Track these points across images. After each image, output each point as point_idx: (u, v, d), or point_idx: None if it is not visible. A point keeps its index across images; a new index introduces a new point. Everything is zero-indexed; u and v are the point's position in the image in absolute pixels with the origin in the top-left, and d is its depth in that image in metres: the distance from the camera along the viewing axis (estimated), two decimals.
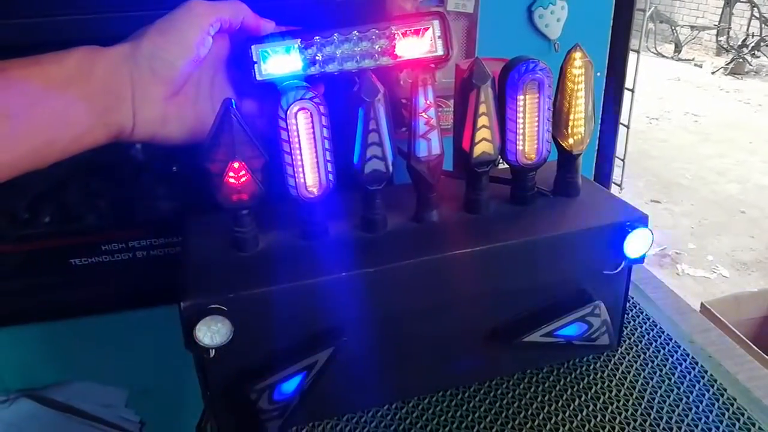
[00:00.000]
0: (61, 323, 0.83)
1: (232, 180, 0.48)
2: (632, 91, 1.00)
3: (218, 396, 0.53)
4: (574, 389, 0.61)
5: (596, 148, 0.97)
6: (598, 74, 0.89)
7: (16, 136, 0.43)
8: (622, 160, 1.06)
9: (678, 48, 7.01)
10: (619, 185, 1.08)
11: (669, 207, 3.61)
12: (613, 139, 0.97)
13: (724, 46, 6.74)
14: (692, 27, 7.06)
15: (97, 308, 0.81)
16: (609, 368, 0.63)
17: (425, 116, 0.52)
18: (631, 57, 0.94)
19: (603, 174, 0.99)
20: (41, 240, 0.75)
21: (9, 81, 0.43)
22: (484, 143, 0.55)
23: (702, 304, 1.88)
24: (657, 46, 7.14)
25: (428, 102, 0.52)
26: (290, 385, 0.52)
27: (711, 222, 3.43)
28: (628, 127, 1.03)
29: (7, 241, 0.75)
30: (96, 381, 0.91)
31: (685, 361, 0.64)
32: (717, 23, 6.84)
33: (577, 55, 0.56)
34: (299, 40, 0.54)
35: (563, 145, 0.59)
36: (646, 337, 0.67)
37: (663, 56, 7.05)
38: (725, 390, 0.60)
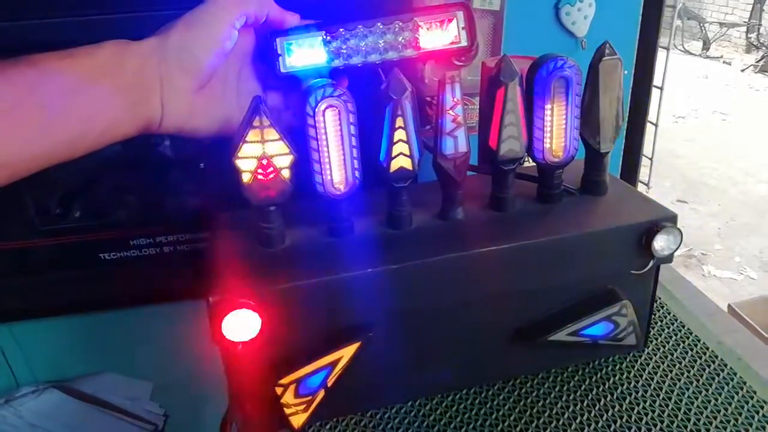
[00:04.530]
0: (89, 316, 0.85)
1: (260, 177, 0.49)
2: (661, 89, 0.99)
3: (244, 390, 0.53)
4: (600, 389, 0.60)
5: (623, 146, 0.96)
6: (626, 72, 0.88)
7: (52, 127, 0.45)
8: (650, 159, 1.04)
9: (706, 45, 6.89)
10: (647, 184, 1.07)
11: (696, 207, 3.56)
12: (641, 137, 0.96)
13: (755, 44, 6.61)
14: (721, 24, 6.93)
15: (125, 302, 0.83)
16: (635, 369, 0.62)
17: (452, 113, 0.52)
18: (660, 54, 0.93)
19: (630, 173, 0.98)
20: (72, 234, 0.77)
21: (44, 73, 0.44)
22: (510, 141, 0.55)
23: (729, 305, 1.85)
24: (684, 43, 7.03)
25: (455, 99, 0.52)
26: (315, 380, 0.52)
27: (739, 223, 3.37)
28: (656, 125, 1.02)
29: (38, 235, 0.76)
30: (122, 373, 0.92)
31: (713, 362, 0.63)
32: (747, 20, 6.71)
33: (606, 52, 0.55)
34: (324, 33, 0.54)
35: (591, 143, 0.59)
36: (674, 337, 0.66)
37: (691, 53, 6.93)
38: (755, 392, 0.59)
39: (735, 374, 0.61)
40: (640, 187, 1.02)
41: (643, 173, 1.03)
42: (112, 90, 0.47)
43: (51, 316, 0.84)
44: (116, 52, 0.48)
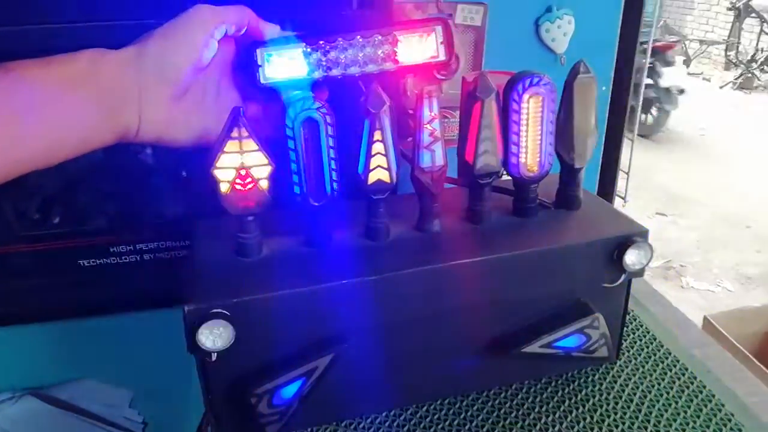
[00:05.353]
0: (68, 323, 0.84)
1: (238, 187, 0.49)
2: (639, 105, 1.00)
3: (219, 399, 0.53)
4: (572, 401, 0.61)
5: (600, 161, 0.97)
6: (603, 88, 0.90)
7: (28, 134, 0.45)
8: (627, 173, 1.06)
9: (687, 62, 7.00)
10: (623, 198, 1.09)
11: (675, 220, 3.61)
12: (618, 152, 0.98)
13: (734, 61, 6.72)
14: (701, 41, 7.05)
15: (104, 309, 0.82)
16: (607, 380, 0.64)
17: (429, 128, 0.53)
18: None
19: (607, 187, 0.99)
20: (51, 241, 0.76)
21: (21, 81, 0.45)
22: (486, 155, 0.56)
23: (705, 317, 1.88)
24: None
25: (433, 114, 0.53)
26: (290, 390, 0.53)
27: (717, 236, 3.43)
28: (632, 140, 1.04)
29: (17, 241, 0.76)
30: (100, 381, 0.92)
31: (683, 375, 0.64)
32: (726, 38, 6.83)
33: (581, 70, 0.57)
34: (304, 44, 0.55)
35: (565, 158, 0.60)
36: (645, 350, 0.68)
37: None
38: (723, 405, 0.60)
39: (704, 387, 0.62)
40: (617, 201, 1.04)
41: (621, 187, 1.04)
42: (88, 98, 0.47)
43: (29, 323, 0.83)
44: (93, 61, 0.48)
